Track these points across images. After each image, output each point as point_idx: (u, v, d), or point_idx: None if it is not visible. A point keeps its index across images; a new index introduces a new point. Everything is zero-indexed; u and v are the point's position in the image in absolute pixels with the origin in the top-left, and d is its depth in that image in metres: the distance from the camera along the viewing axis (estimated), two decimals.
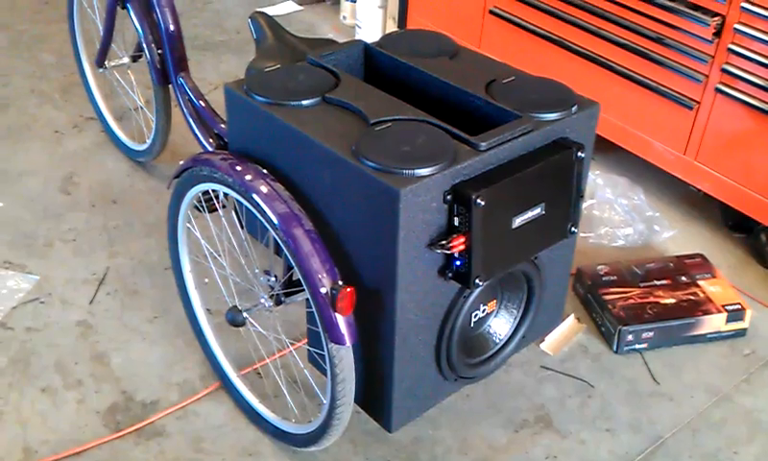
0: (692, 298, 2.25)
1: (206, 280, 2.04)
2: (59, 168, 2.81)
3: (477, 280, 1.52)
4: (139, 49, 2.59)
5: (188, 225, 1.91)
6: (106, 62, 2.75)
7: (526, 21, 2.92)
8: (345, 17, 3.90)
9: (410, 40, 1.92)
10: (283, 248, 1.58)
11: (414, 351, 1.59)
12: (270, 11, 4.05)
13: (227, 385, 1.98)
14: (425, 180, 1.42)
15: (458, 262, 1.51)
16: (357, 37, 3.75)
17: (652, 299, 2.24)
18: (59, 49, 3.53)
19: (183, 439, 1.89)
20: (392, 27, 3.58)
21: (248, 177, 1.62)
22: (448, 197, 1.46)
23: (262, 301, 1.79)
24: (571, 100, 1.66)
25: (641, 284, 2.29)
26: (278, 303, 1.78)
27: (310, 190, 1.61)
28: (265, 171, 1.64)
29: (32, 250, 2.44)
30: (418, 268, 1.49)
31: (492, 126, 1.57)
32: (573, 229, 1.68)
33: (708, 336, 2.22)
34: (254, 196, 1.59)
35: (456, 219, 1.48)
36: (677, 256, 2.41)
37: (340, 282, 1.53)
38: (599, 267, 2.35)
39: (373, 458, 1.87)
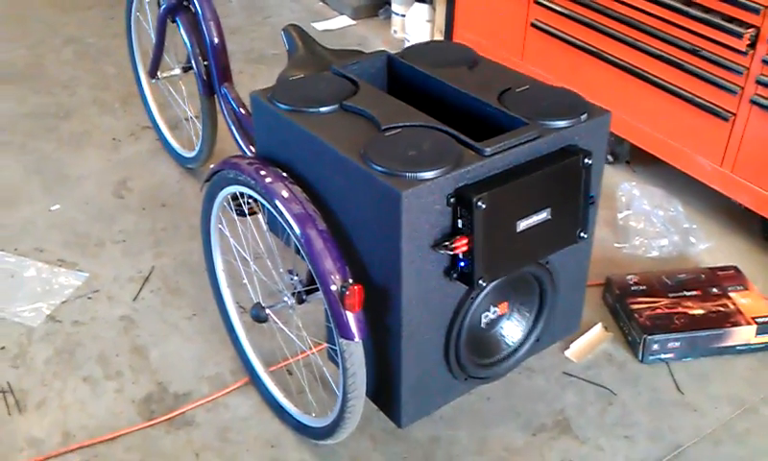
0: (722, 309, 2.24)
1: (244, 281, 2.13)
2: (114, 173, 2.97)
3: (480, 281, 1.56)
4: (189, 61, 2.72)
5: (220, 226, 2.02)
6: (158, 73, 2.90)
7: (566, 34, 2.95)
8: (395, 31, 3.99)
9: (432, 51, 1.98)
10: (299, 247, 1.66)
11: (421, 349, 1.65)
12: (324, 25, 4.18)
13: (255, 380, 2.07)
14: (428, 183, 1.48)
15: (462, 263, 1.56)
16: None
17: (680, 309, 2.24)
18: (121, 62, 3.71)
19: (211, 429, 1.98)
20: (438, 38, 3.65)
21: (268, 179, 1.71)
22: (452, 200, 1.52)
23: (285, 299, 1.87)
24: (582, 108, 1.70)
25: (670, 295, 2.29)
26: (300, 301, 1.86)
27: (325, 193, 1.68)
28: (285, 174, 1.73)
29: (84, 249, 2.58)
30: (423, 267, 1.55)
31: (502, 133, 1.62)
32: (583, 234, 1.71)
33: (737, 348, 2.20)
34: (273, 198, 1.68)
35: (459, 221, 1.53)
36: (710, 268, 2.40)
37: (350, 280, 1.60)
38: (629, 277, 2.36)
39: (391, 455, 1.92)
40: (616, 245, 2.61)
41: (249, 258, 2.05)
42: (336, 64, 1.92)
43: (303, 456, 1.91)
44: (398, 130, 1.63)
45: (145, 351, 2.21)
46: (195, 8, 2.56)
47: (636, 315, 2.22)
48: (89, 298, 2.39)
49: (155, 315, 2.33)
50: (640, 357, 2.18)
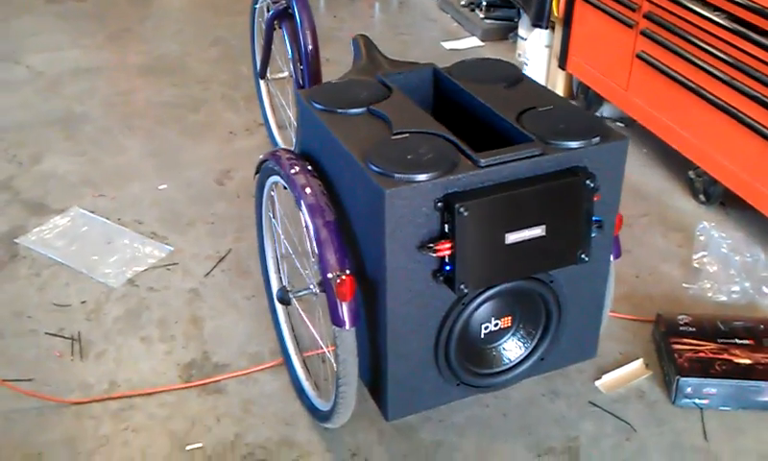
0: None
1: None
2: (222, 163, 3.22)
3: (462, 287, 1.61)
4: None
5: (269, 214, 2.17)
6: (267, 74, 3.12)
7: (670, 68, 2.89)
8: (520, 55, 4.02)
9: (478, 68, 2.04)
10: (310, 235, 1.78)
11: (408, 347, 1.71)
12: (453, 44, 4.28)
13: (287, 362, 2.21)
14: (415, 185, 1.55)
15: (448, 267, 1.62)
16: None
17: (726, 356, 2.15)
18: None
19: (237, 399, 2.14)
20: (554, 65, 3.65)
21: (292, 171, 1.84)
22: (439, 204, 1.58)
23: (311, 286, 1.99)
24: (596, 132, 1.70)
25: (719, 340, 2.20)
26: (323, 290, 1.97)
27: (340, 188, 1.79)
28: (310, 168, 1.86)
29: (175, 226, 2.84)
30: (409, 266, 1.62)
31: None
32: (584, 256, 1.71)
33: None
34: (294, 187, 1.81)
35: (446, 226, 1.59)
36: None
37: (347, 271, 1.70)
38: (680, 316, 2.29)
39: (393, 451, 1.99)
40: (684, 285, 2.53)
41: (285, 243, 2.18)
42: (380, 72, 2.03)
43: (312, 438, 2.02)
44: (406, 135, 1.72)
45: (201, 322, 2.40)
46: (295, 16, 2.75)
47: (675, 355, 2.15)
48: (168, 269, 2.62)
49: (219, 292, 2.53)
50: (672, 399, 2.12)
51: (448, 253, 1.60)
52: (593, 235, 1.72)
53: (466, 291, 1.63)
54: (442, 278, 1.64)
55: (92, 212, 2.90)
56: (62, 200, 2.97)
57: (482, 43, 4.31)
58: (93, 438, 2.02)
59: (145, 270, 2.61)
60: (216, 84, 3.87)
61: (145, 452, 1.98)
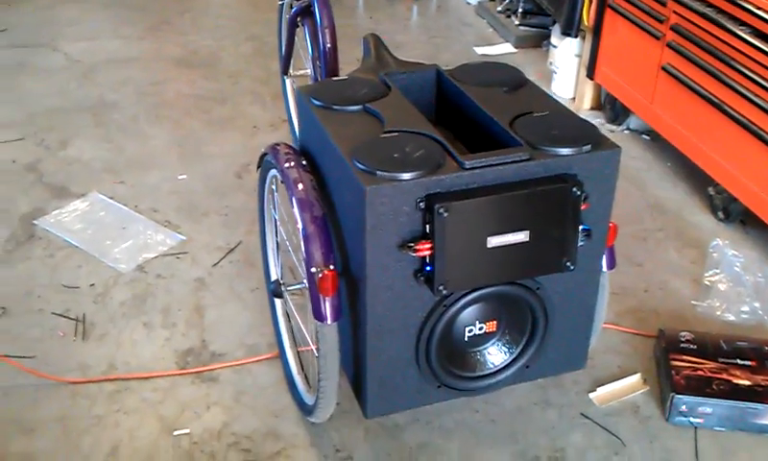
0: None
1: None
2: (243, 156, 3.26)
3: (441, 288, 1.61)
4: None
5: (270, 206, 2.19)
6: (290, 71, 3.15)
7: (694, 81, 2.84)
8: (551, 63, 3.98)
9: (481, 71, 2.04)
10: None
11: (388, 345, 1.71)
12: (485, 50, 4.27)
13: (282, 355, 2.22)
14: (396, 183, 1.56)
15: (428, 268, 1.62)
16: (554, 83, 3.82)
17: (725, 376, 2.10)
18: None
19: (230, 389, 2.16)
20: (583, 74, 3.61)
21: (286, 165, 1.86)
22: (421, 204, 1.58)
23: (303, 281, 2.00)
24: (588, 140, 1.68)
25: (720, 359, 2.15)
26: None
27: (331, 184, 1.80)
28: (304, 163, 1.87)
29: (190, 216, 2.88)
30: (389, 264, 1.62)
31: None
32: (569, 264, 1.69)
33: None
34: (287, 180, 1.83)
35: (427, 226, 1.59)
36: None
37: (331, 266, 1.71)
38: (682, 333, 2.24)
39: (378, 448, 1.99)
40: (693, 302, 2.48)
41: (284, 237, 2.20)
42: (383, 72, 2.03)
43: (298, 431, 2.03)
44: (396, 134, 1.72)
45: (204, 310, 2.44)
46: (315, 14, 2.77)
47: (673, 371, 2.11)
48: (178, 257, 2.66)
49: (225, 282, 2.56)
50: (667, 416, 2.08)
51: (428, 253, 1.59)
52: (581, 244, 1.70)
53: (444, 292, 1.62)
54: (422, 278, 1.64)
55: (111, 198, 2.95)
56: (84, 185, 3.03)
57: (515, 50, 4.28)
58: (86, 417, 2.06)
59: (155, 257, 2.66)
60: (246, 80, 3.92)
61: (133, 435, 2.01)
